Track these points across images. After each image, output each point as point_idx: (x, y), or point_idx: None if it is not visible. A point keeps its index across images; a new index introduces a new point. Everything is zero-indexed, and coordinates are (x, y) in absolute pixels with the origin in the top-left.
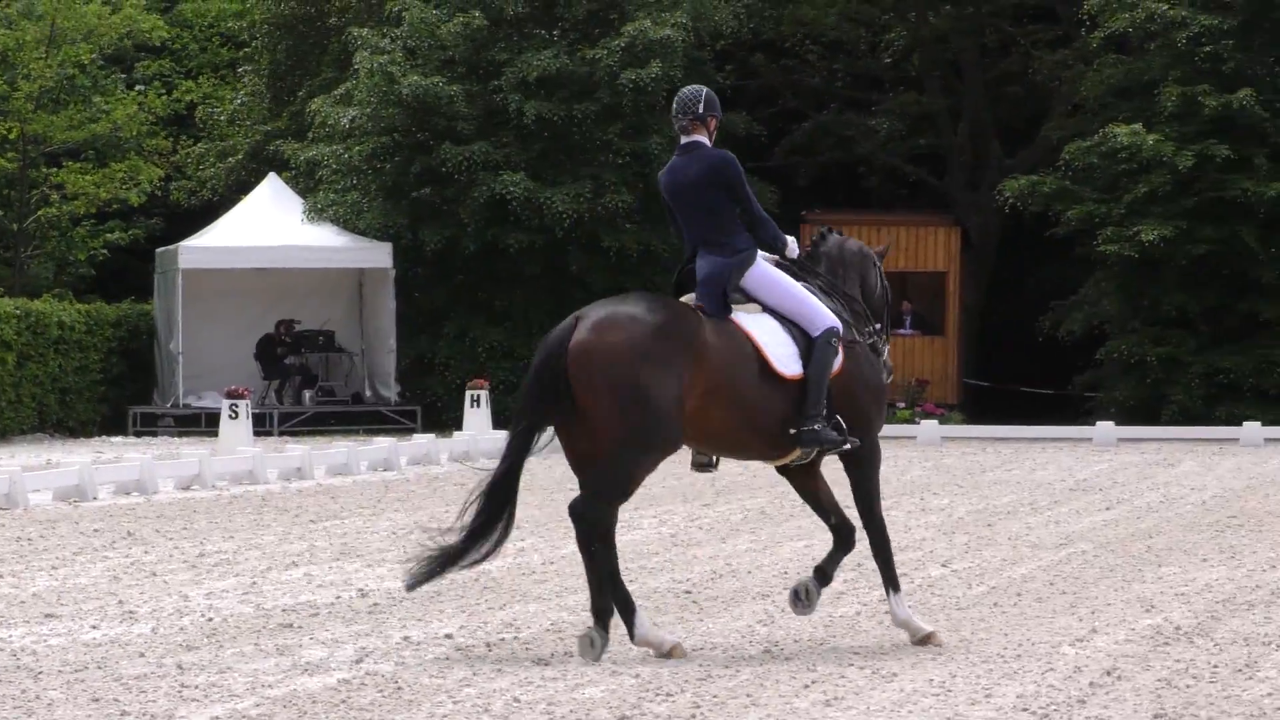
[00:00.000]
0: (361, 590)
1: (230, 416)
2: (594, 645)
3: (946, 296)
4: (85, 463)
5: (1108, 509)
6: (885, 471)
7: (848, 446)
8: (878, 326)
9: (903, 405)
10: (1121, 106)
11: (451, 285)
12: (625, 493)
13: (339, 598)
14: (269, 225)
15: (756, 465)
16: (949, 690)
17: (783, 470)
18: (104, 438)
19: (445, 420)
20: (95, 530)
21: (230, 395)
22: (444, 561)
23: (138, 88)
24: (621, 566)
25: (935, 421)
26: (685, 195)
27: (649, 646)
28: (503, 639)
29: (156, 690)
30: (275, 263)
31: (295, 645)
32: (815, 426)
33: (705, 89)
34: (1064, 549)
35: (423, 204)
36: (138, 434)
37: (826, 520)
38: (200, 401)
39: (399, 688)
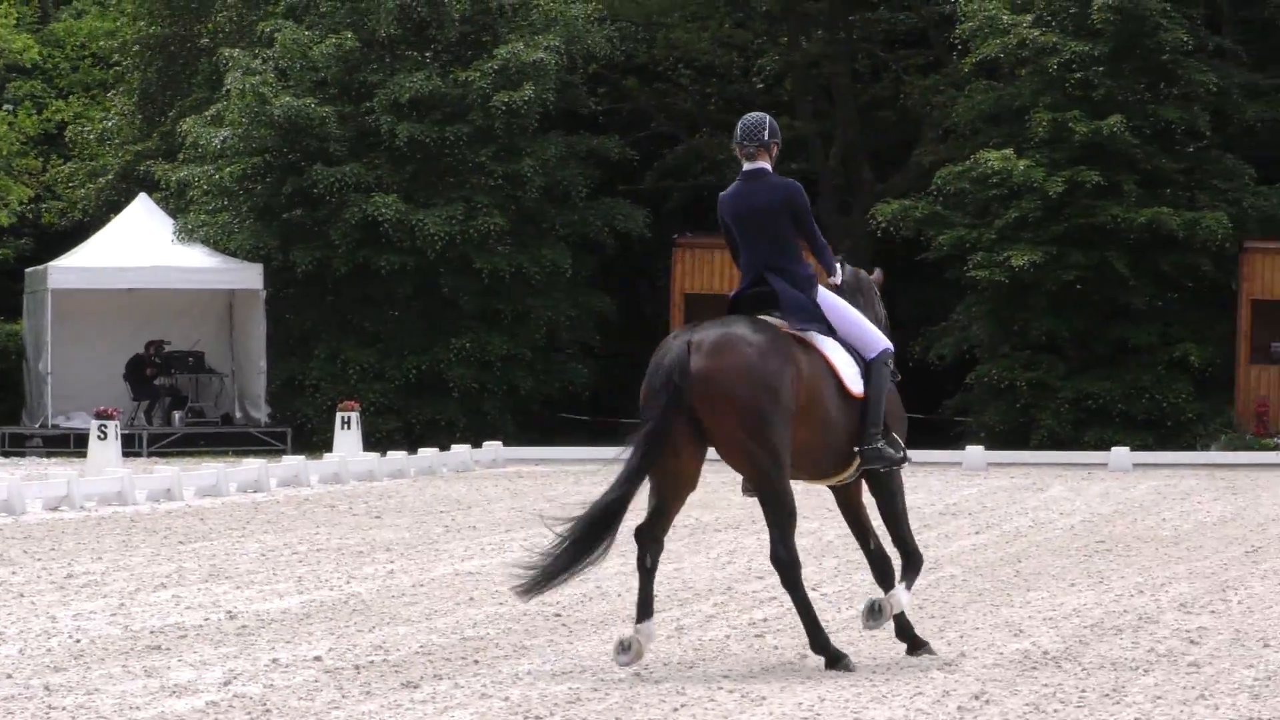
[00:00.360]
0: (230, 612)
1: (99, 437)
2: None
3: None
4: None
5: (977, 533)
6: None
7: (905, 462)
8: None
9: None
10: (992, 132)
11: (322, 307)
12: (793, 513)
13: (207, 619)
14: (139, 246)
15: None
16: (817, 714)
17: (834, 488)
18: None
19: (316, 442)
20: None
21: (99, 416)
22: (551, 574)
23: (6, 107)
24: (491, 588)
25: None
26: (753, 221)
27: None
28: (372, 661)
29: (24, 712)
30: (145, 283)
31: (163, 667)
32: (878, 444)
33: (768, 116)
34: (933, 573)
35: (294, 225)
36: (5, 454)
37: (864, 545)
38: (69, 422)
39: (267, 710)
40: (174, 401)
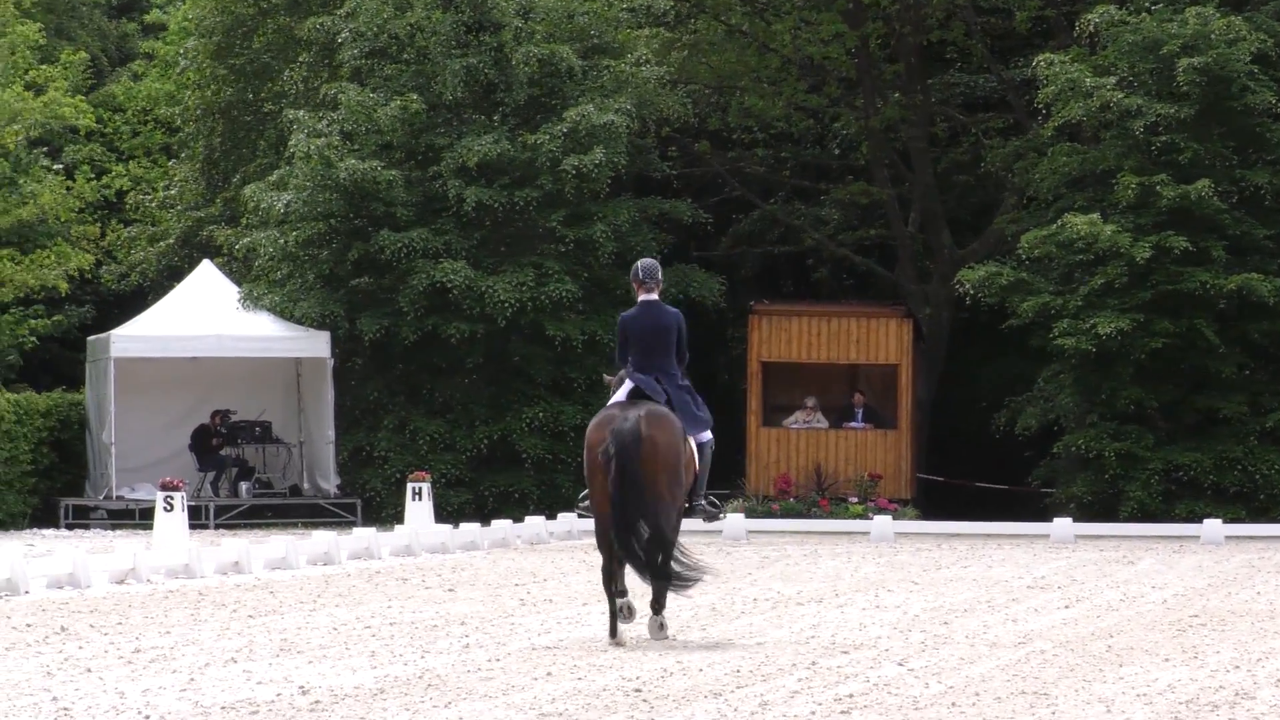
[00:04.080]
0: (303, 687)
1: (165, 509)
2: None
3: (899, 389)
4: (16, 556)
5: (1066, 607)
6: (838, 567)
7: (720, 517)
8: None
9: (855, 500)
10: (1075, 196)
11: (391, 375)
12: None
13: (279, 695)
14: (203, 313)
15: (709, 558)
16: None
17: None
18: (34, 530)
19: (386, 514)
20: (27, 625)
21: (165, 487)
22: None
23: (57, 167)
24: (570, 662)
25: (888, 517)
26: (652, 336)
27: None
28: None
29: None
30: (210, 351)
31: None
32: (703, 502)
33: (657, 261)
34: (1023, 647)
35: (360, 292)
36: (69, 527)
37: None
38: (134, 494)
39: None
40: (241, 472)
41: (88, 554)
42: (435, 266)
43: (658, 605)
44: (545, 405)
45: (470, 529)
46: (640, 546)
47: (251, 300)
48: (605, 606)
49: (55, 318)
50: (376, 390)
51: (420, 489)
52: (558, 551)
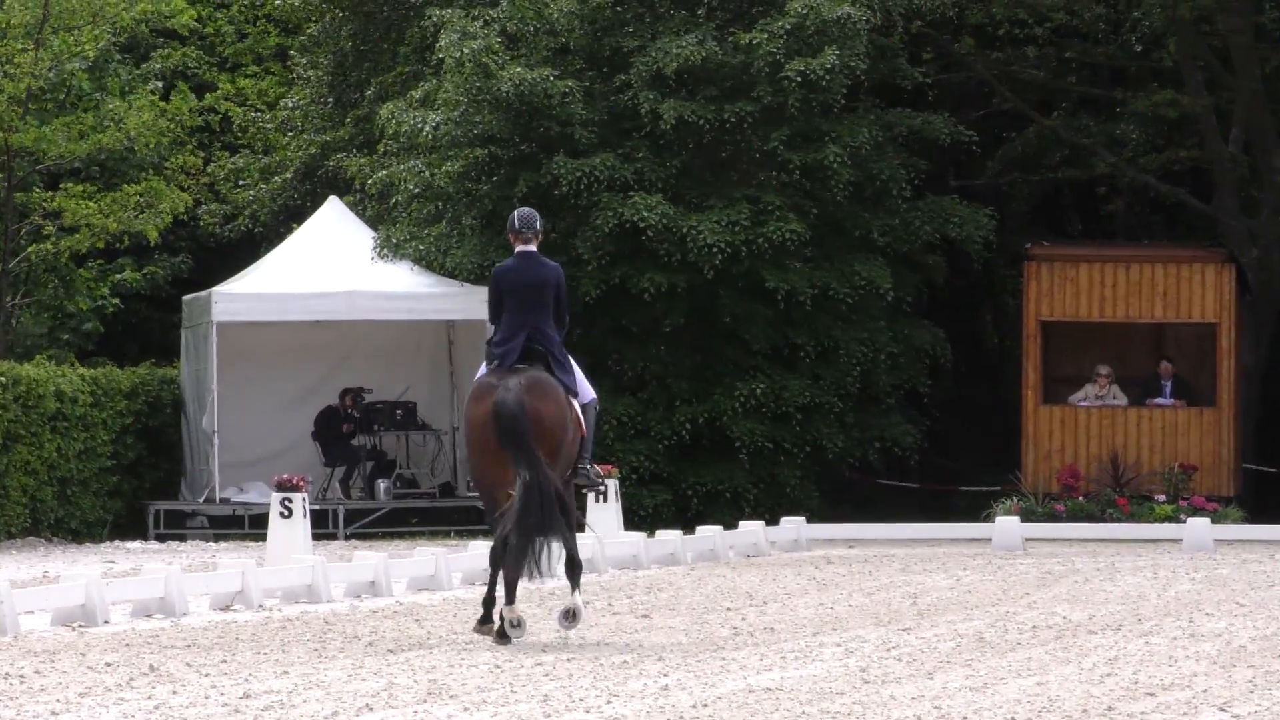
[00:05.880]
0: None
1: (282, 515)
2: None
3: (1218, 355)
4: (93, 576)
5: None
6: (1141, 585)
7: (601, 487)
8: None
9: (1163, 499)
10: None
11: (567, 342)
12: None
13: None
14: (330, 265)
15: (969, 580)
16: None
17: None
18: (117, 543)
19: None
20: (107, 665)
21: (281, 487)
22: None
23: (153, 83)
24: (797, 709)
25: (1206, 520)
26: (528, 292)
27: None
28: None
29: None
30: (338, 314)
31: None
32: (586, 468)
33: (534, 210)
34: None
35: None
36: (160, 538)
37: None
38: (242, 495)
39: None
40: (378, 467)
41: (184, 573)
42: (624, 202)
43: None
44: (764, 379)
45: (669, 538)
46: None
47: (391, 248)
48: (844, 637)
49: (146, 269)
50: None
51: (605, 487)
52: (781, 566)
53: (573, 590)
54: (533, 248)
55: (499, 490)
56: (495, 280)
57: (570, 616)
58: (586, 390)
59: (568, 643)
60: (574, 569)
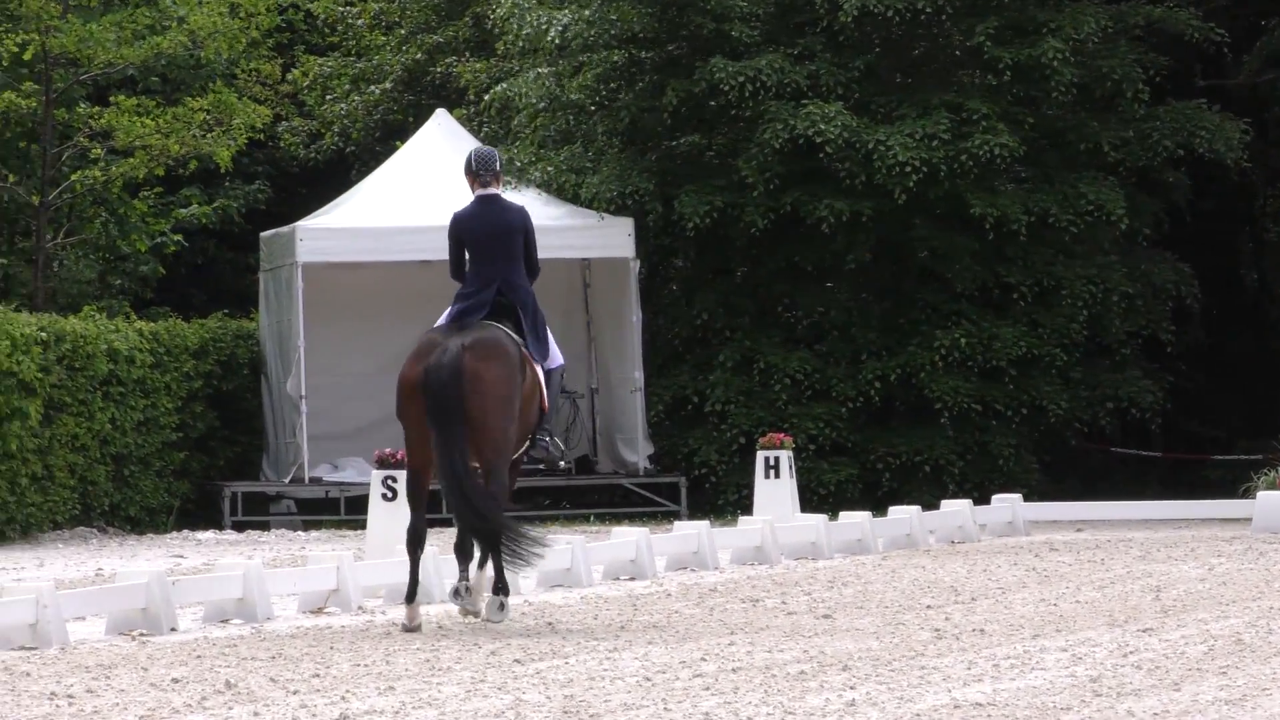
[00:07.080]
0: None
1: (385, 497)
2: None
3: None
4: (156, 573)
5: None
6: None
7: (561, 464)
8: None
9: None
10: None
11: (728, 284)
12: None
13: None
14: (438, 194)
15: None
16: None
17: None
18: (184, 533)
19: (725, 500)
20: (174, 681)
21: (384, 463)
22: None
23: None
24: None
25: None
26: (493, 240)
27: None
28: None
29: None
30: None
31: None
32: (545, 440)
33: (496, 150)
34: None
35: (680, 156)
36: (238, 526)
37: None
38: (336, 474)
39: None
40: None
41: (266, 569)
42: (796, 112)
43: (496, 584)
44: (970, 327)
45: (856, 520)
46: (470, 506)
47: (513, 173)
48: (1071, 640)
49: (215, 201)
50: (707, 307)
51: (777, 460)
52: (992, 554)
53: (493, 577)
54: (495, 190)
55: (424, 472)
56: (455, 229)
57: (498, 608)
58: (556, 355)
59: (729, 651)
60: (494, 557)
